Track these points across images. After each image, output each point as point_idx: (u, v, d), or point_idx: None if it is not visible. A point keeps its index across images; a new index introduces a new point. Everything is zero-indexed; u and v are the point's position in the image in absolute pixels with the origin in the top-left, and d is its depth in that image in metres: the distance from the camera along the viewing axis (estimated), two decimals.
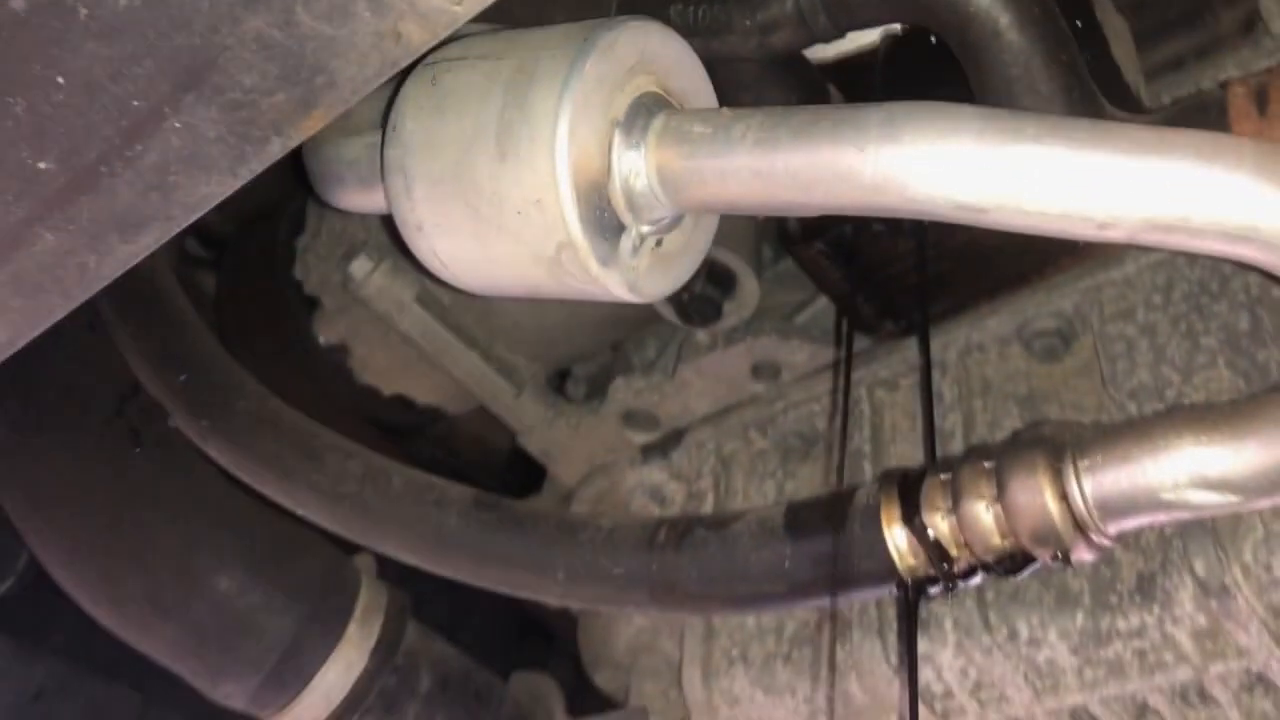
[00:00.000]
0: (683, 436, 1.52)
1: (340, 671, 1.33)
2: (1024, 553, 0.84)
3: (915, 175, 0.69)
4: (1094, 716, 1.15)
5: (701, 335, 1.49)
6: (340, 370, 1.64)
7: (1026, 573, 0.85)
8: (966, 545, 0.85)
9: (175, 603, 1.27)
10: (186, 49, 0.65)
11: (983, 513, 0.85)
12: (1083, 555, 0.83)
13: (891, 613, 1.18)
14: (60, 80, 0.68)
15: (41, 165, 0.73)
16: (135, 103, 0.69)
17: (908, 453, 1.29)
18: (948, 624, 1.14)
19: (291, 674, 1.31)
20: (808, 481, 1.38)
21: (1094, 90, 0.90)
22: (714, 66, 0.96)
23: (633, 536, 1.03)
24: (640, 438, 1.55)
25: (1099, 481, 0.80)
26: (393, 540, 1.13)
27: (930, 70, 0.97)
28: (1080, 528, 0.82)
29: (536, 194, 0.76)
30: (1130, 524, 0.82)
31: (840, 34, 0.97)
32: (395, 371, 1.63)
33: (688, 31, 0.92)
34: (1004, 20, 0.88)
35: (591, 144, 0.77)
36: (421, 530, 1.11)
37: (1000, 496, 0.84)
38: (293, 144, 0.70)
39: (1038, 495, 0.82)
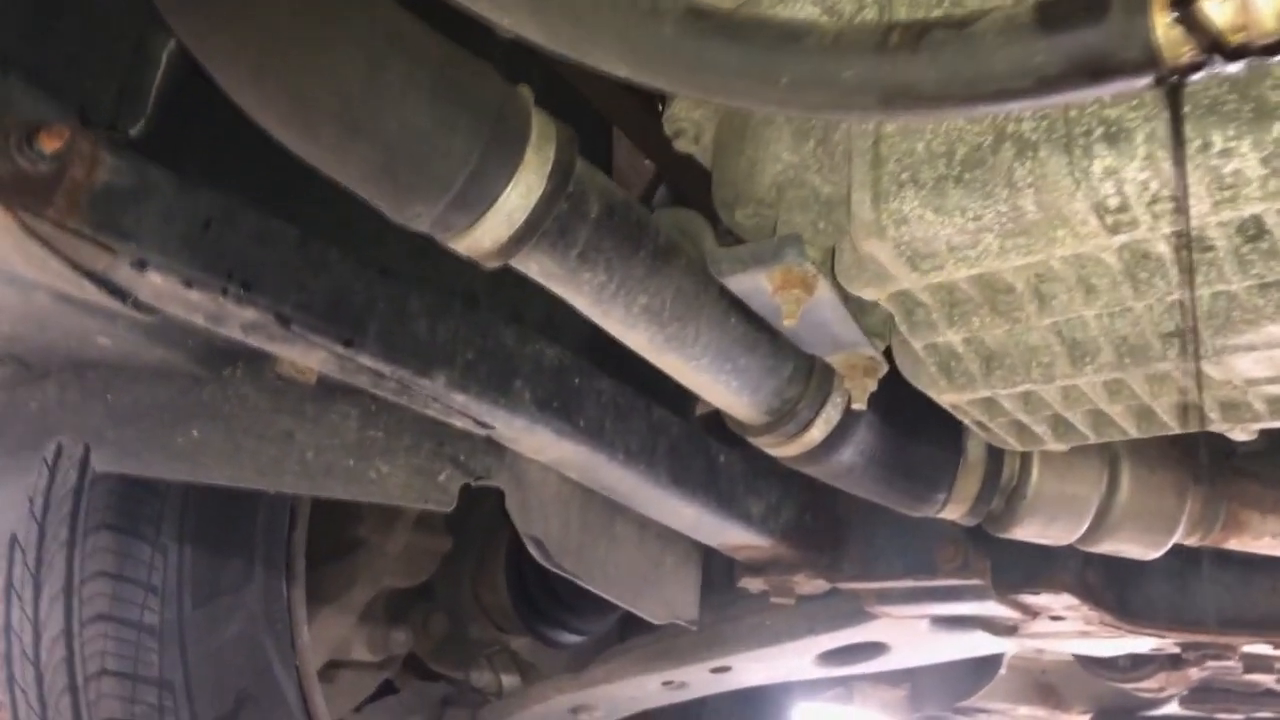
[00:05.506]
0: None
1: (521, 194, 1.38)
2: None
3: None
4: (1264, 226, 1.22)
5: None
6: None
7: None
8: (1244, 28, 0.86)
9: (366, 120, 1.29)
10: None
11: None
12: None
13: (1080, 129, 1.21)
14: None
15: None
16: None
17: None
18: (1139, 137, 1.18)
19: (476, 194, 1.36)
20: None
21: None
22: None
23: (862, 40, 1.03)
24: None
25: None
26: (603, 51, 1.13)
27: None
28: None
29: None
30: None
31: None
32: None
33: None
34: None
35: None
36: (635, 40, 1.10)
37: None
38: None
39: None
